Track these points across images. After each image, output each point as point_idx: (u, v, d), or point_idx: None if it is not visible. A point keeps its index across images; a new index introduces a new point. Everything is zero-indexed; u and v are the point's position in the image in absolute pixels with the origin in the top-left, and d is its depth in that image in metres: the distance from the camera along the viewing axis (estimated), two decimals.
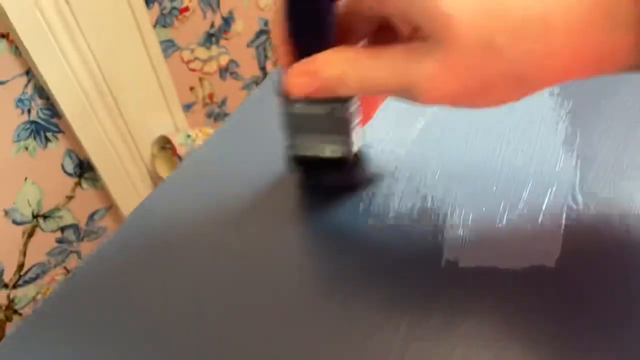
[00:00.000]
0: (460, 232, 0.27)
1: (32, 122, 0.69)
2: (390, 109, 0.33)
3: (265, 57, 1.02)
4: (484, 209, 0.27)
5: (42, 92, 0.68)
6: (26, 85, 0.66)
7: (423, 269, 0.25)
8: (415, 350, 0.22)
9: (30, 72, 0.66)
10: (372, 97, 0.27)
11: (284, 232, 0.28)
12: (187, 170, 0.33)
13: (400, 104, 0.26)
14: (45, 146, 0.72)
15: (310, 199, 0.29)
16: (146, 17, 0.74)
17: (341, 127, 0.25)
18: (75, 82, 0.69)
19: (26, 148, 0.70)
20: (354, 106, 0.24)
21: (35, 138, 0.70)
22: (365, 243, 0.27)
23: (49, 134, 0.72)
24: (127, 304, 0.26)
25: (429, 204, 0.28)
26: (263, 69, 1.04)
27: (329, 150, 0.26)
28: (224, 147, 0.34)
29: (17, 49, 0.63)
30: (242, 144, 0.34)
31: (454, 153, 0.31)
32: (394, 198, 0.29)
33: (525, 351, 0.22)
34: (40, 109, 0.69)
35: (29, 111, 0.68)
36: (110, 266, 0.27)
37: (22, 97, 0.66)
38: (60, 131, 0.73)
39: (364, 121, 0.27)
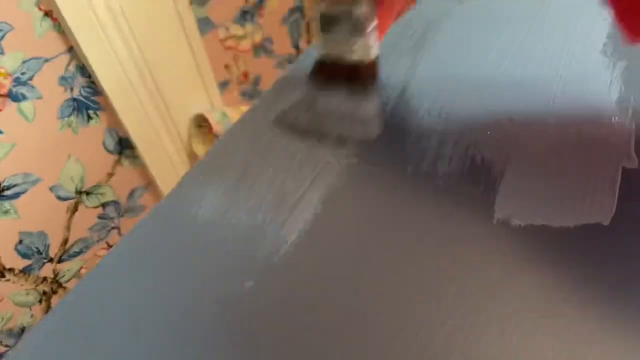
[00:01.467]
0: (512, 190, 0.26)
1: (75, 99, 0.71)
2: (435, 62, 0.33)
3: (299, 35, 1.02)
4: (534, 165, 0.27)
5: (84, 70, 0.70)
6: (69, 63, 0.68)
7: (474, 227, 0.25)
8: (467, 309, 0.22)
9: (72, 50, 0.67)
10: (386, 10, 0.28)
11: (334, 195, 0.28)
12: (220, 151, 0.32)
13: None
14: (87, 123, 0.74)
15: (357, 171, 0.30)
16: None
17: (359, 28, 0.27)
18: (115, 61, 0.70)
19: (69, 125, 0.72)
20: (368, 8, 0.27)
21: (77, 115, 0.72)
22: (415, 201, 0.27)
23: (90, 112, 0.74)
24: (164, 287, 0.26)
25: (479, 164, 0.28)
26: (296, 46, 1.04)
27: (348, 51, 0.28)
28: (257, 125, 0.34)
29: (60, 27, 0.64)
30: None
31: (502, 108, 0.30)
32: (443, 159, 0.28)
33: (578, 311, 0.22)
34: (82, 86, 0.71)
35: (71, 89, 0.70)
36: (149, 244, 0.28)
37: (65, 75, 0.68)
38: (101, 109, 0.75)
39: (380, 32, 0.28)
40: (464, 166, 0.28)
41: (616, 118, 0.29)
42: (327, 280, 0.24)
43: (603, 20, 0.35)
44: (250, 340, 0.22)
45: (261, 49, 0.95)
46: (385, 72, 0.34)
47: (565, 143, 0.28)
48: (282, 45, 0.99)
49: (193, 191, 0.29)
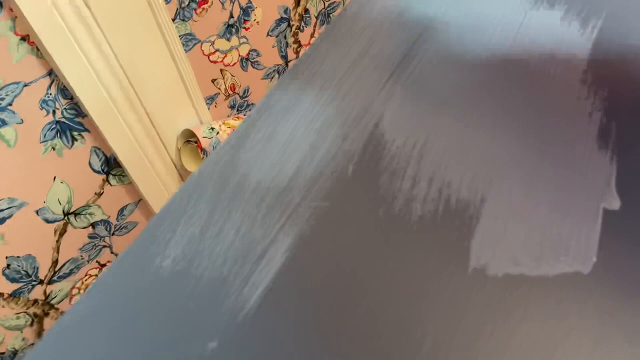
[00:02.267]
0: (488, 235, 0.25)
1: (58, 122, 0.70)
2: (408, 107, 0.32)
3: (286, 44, 1.00)
4: (512, 209, 0.26)
5: (65, 92, 0.69)
6: (49, 86, 0.67)
7: (449, 276, 0.24)
8: None
9: (52, 73, 0.66)
10: None
11: (303, 242, 0.27)
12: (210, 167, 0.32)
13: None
14: (72, 145, 0.73)
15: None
16: (165, 12, 0.73)
17: None
18: (97, 81, 0.69)
19: (53, 148, 0.71)
20: None
21: (61, 137, 0.71)
22: (388, 249, 0.26)
23: (74, 133, 0.73)
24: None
25: (453, 207, 0.27)
26: (284, 56, 1.02)
27: None
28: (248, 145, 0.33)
29: (39, 51, 0.63)
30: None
31: (477, 147, 0.29)
32: (416, 200, 0.27)
33: None
34: (65, 108, 0.70)
35: (53, 112, 0.69)
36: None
37: (46, 98, 0.67)
38: (85, 130, 0.74)
39: None
40: (437, 208, 0.27)
41: (596, 151, 0.28)
42: (295, 339, 0.23)
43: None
44: None
45: (248, 61, 0.94)
46: (359, 104, 0.33)
47: (543, 182, 0.27)
48: (270, 56, 0.98)
49: (158, 239, 0.28)
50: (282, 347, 0.23)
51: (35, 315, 0.83)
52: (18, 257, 0.75)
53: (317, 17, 1.03)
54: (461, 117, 0.31)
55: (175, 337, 0.24)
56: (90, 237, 0.84)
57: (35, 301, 0.82)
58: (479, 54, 0.34)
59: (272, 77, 1.02)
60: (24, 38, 0.62)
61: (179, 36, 0.79)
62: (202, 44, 0.85)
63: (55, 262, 0.81)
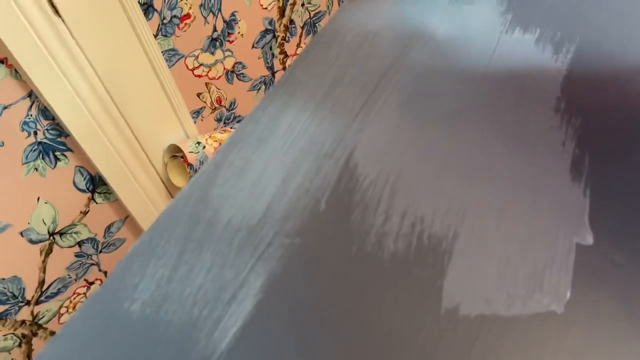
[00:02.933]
0: (460, 274, 0.25)
1: (40, 142, 0.69)
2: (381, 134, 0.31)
3: (273, 55, 1.00)
4: (485, 245, 0.25)
5: (46, 112, 0.68)
6: (30, 108, 0.66)
7: (422, 317, 0.24)
8: None
9: (32, 94, 0.65)
10: None
11: (275, 282, 0.26)
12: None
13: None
14: (55, 165, 0.72)
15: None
16: (146, 28, 0.72)
17: None
18: (78, 101, 0.68)
19: (36, 169, 0.70)
20: None
21: (44, 158, 0.70)
22: (360, 287, 0.25)
23: (57, 153, 0.72)
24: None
25: (426, 243, 0.26)
26: (270, 68, 1.02)
27: None
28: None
29: (17, 73, 0.62)
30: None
31: (449, 185, 0.29)
32: (389, 236, 0.27)
33: None
34: (47, 129, 0.69)
35: (35, 133, 0.68)
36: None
37: (27, 120, 0.66)
38: (68, 149, 0.73)
39: None
40: (410, 244, 0.26)
41: (569, 183, 0.27)
42: None
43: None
44: None
45: (233, 73, 0.94)
46: (332, 135, 0.32)
47: (516, 215, 0.26)
48: (256, 68, 0.97)
49: (126, 283, 0.27)
50: None
51: (23, 336, 0.82)
52: (3, 279, 0.74)
53: (302, 28, 1.02)
54: (434, 150, 0.30)
55: None
56: (77, 255, 0.84)
57: (23, 322, 0.81)
58: (452, 84, 0.34)
59: (259, 89, 1.01)
60: (2, 61, 0.61)
61: (162, 52, 0.78)
62: (185, 58, 0.84)
63: (42, 282, 0.80)
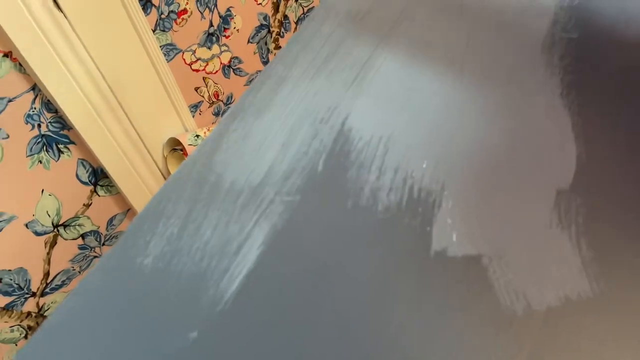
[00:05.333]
0: (448, 220, 0.27)
1: (43, 135, 0.71)
2: (376, 100, 0.33)
3: (268, 50, 1.02)
4: (473, 196, 0.28)
5: (49, 105, 0.70)
6: (33, 101, 0.68)
7: (413, 260, 0.26)
8: (407, 342, 0.23)
9: (36, 88, 0.67)
10: None
11: (277, 236, 0.28)
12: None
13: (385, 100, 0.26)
14: (59, 158, 0.74)
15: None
16: (145, 23, 0.74)
17: None
18: (81, 94, 0.70)
19: (40, 161, 0.72)
20: None
21: (47, 151, 0.72)
22: (356, 237, 0.27)
23: (60, 146, 0.74)
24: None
25: (416, 196, 0.28)
26: (266, 62, 1.04)
27: None
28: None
29: (21, 66, 0.64)
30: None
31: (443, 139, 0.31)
32: (382, 191, 0.29)
33: (512, 346, 0.22)
34: (50, 122, 0.71)
35: (39, 125, 0.70)
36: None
37: (31, 113, 0.68)
38: (71, 142, 0.75)
39: None
40: (402, 198, 0.28)
41: (561, 142, 0.29)
42: (272, 326, 0.24)
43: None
44: None
45: (230, 68, 0.96)
46: (328, 103, 0.34)
47: (499, 167, 0.28)
48: (252, 63, 0.99)
49: (138, 241, 0.29)
50: (258, 334, 0.24)
51: (29, 327, 0.84)
52: (9, 270, 0.76)
53: (296, 23, 1.04)
54: (425, 111, 0.32)
55: (157, 330, 0.25)
56: (80, 248, 0.85)
57: (29, 313, 0.83)
58: (443, 50, 0.36)
59: None
60: (7, 54, 0.63)
61: (160, 46, 0.80)
62: (183, 53, 0.87)
63: (46, 274, 0.82)
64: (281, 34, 1.03)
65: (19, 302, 0.80)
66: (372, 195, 0.29)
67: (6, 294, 0.77)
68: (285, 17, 1.01)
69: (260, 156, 0.32)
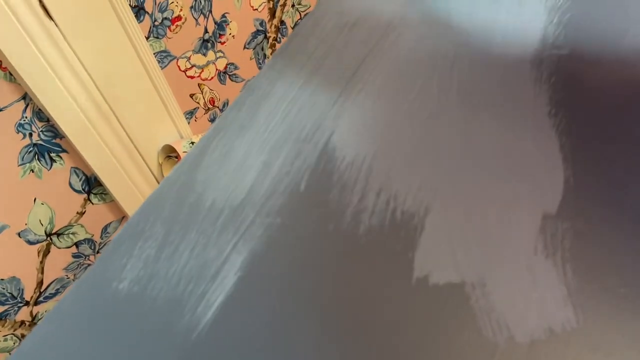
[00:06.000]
0: (431, 245, 0.26)
1: (35, 144, 0.70)
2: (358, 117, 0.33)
3: (264, 56, 1.01)
4: (457, 220, 0.27)
5: (41, 114, 0.69)
6: (25, 110, 0.67)
7: (394, 286, 0.25)
8: None
9: (27, 97, 0.67)
10: None
11: (255, 260, 0.28)
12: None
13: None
14: (51, 167, 0.74)
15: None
16: (138, 30, 0.74)
17: None
18: (72, 102, 0.70)
19: (32, 170, 0.71)
20: None
21: (39, 160, 0.72)
22: (336, 262, 0.26)
23: (53, 155, 0.73)
24: None
25: (399, 219, 0.27)
26: (262, 68, 1.04)
27: None
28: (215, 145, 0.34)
29: (12, 75, 0.64)
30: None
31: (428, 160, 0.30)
32: (364, 214, 0.28)
33: None
34: (42, 131, 0.70)
35: (30, 135, 0.69)
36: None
37: (22, 122, 0.67)
38: (64, 150, 0.75)
39: None
40: (384, 221, 0.27)
41: (546, 162, 0.28)
42: (249, 355, 0.24)
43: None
44: None
45: (226, 74, 0.95)
46: (311, 121, 0.34)
47: (485, 189, 0.28)
48: (248, 69, 0.99)
49: (114, 264, 0.29)
50: None
51: (22, 336, 0.83)
52: (2, 279, 0.75)
53: (293, 28, 1.04)
54: (409, 132, 0.32)
55: (132, 358, 0.25)
56: (74, 256, 0.85)
57: (22, 322, 0.82)
58: (429, 68, 0.35)
59: None
60: None
61: (154, 53, 0.80)
62: (177, 60, 0.86)
63: (40, 283, 0.82)
64: (278, 39, 1.02)
65: (12, 311, 0.79)
66: (353, 218, 0.28)
67: None
68: (282, 22, 1.01)
69: (241, 175, 0.31)
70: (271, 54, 1.03)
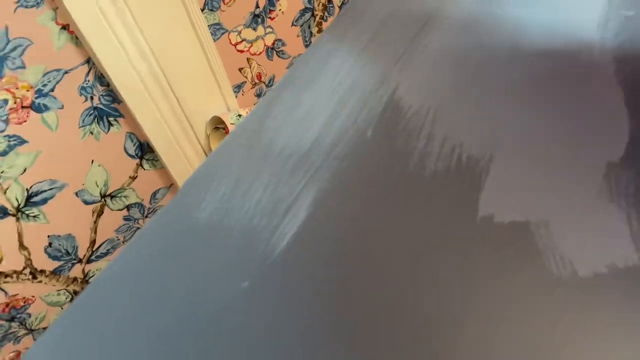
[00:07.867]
0: (495, 188, 0.27)
1: (95, 107, 0.74)
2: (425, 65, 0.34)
3: (311, 34, 1.03)
4: (521, 166, 0.28)
5: (102, 79, 0.73)
6: (87, 74, 0.71)
7: (459, 225, 0.26)
8: (453, 305, 0.23)
9: (90, 61, 0.70)
10: None
11: (325, 198, 0.29)
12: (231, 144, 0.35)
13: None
14: (108, 130, 0.77)
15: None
16: (195, 1, 0.76)
17: None
18: (132, 69, 0.73)
19: (91, 132, 0.75)
20: None
21: (98, 123, 0.75)
22: (403, 201, 0.28)
23: (110, 119, 0.77)
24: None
25: (464, 164, 0.29)
26: (308, 45, 1.05)
27: None
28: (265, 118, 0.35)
29: (78, 39, 0.67)
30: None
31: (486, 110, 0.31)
32: (430, 158, 0.29)
33: (557, 310, 0.22)
34: (102, 95, 0.74)
35: (91, 98, 0.73)
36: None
37: (85, 85, 0.71)
38: (121, 115, 0.78)
39: None
40: (449, 165, 0.29)
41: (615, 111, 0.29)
42: (319, 279, 0.25)
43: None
44: (248, 338, 0.24)
45: (273, 50, 0.97)
46: (377, 75, 0.35)
47: (548, 138, 0.28)
48: (294, 46, 1.00)
49: (194, 197, 0.31)
50: (305, 286, 0.26)
51: (74, 292, 0.88)
52: (59, 235, 0.79)
53: (340, 7, 1.05)
54: (474, 84, 0.33)
55: (211, 279, 0.27)
56: (125, 219, 0.89)
57: (75, 279, 0.87)
58: (496, 27, 0.36)
59: None
60: (65, 27, 0.66)
61: (208, 26, 0.82)
62: (229, 33, 0.88)
63: (93, 242, 0.86)
64: (324, 17, 1.03)
65: (66, 267, 0.84)
66: (420, 161, 0.29)
67: (55, 258, 0.81)
68: (329, 0, 1.02)
69: (309, 124, 0.33)
70: (317, 32, 1.04)
